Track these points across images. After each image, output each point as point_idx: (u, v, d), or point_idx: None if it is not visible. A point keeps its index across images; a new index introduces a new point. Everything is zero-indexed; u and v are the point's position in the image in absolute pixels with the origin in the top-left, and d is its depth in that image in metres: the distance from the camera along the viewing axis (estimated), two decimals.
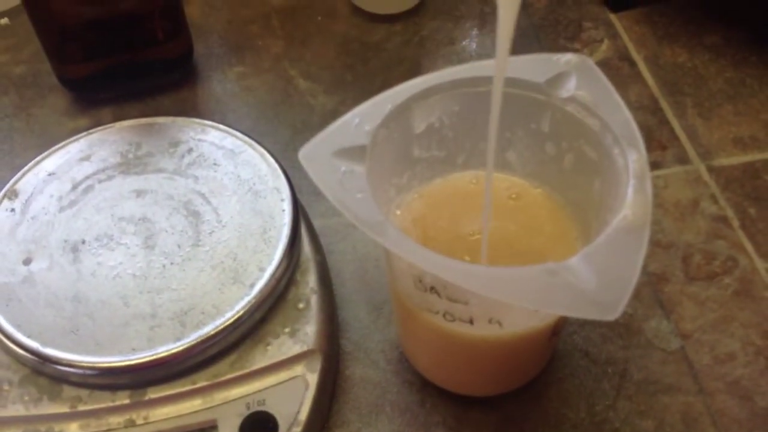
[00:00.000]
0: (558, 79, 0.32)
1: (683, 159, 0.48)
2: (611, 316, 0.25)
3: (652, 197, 0.28)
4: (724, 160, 0.48)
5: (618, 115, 0.31)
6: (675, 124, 0.50)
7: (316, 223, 0.43)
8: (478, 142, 0.36)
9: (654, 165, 0.48)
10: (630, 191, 0.28)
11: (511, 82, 0.33)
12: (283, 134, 0.51)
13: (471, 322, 0.30)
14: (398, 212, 0.35)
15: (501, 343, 0.32)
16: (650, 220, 0.27)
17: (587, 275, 0.26)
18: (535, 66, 0.33)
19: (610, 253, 0.27)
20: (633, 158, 0.29)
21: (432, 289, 0.30)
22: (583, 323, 0.40)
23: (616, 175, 0.30)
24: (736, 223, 0.45)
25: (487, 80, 0.33)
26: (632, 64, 0.54)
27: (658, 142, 0.49)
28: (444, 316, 0.31)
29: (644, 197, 0.28)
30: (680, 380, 0.38)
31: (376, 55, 0.56)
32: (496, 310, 0.30)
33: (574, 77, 0.32)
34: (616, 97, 0.31)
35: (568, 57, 0.33)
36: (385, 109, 0.32)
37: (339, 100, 0.53)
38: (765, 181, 0.47)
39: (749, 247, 0.43)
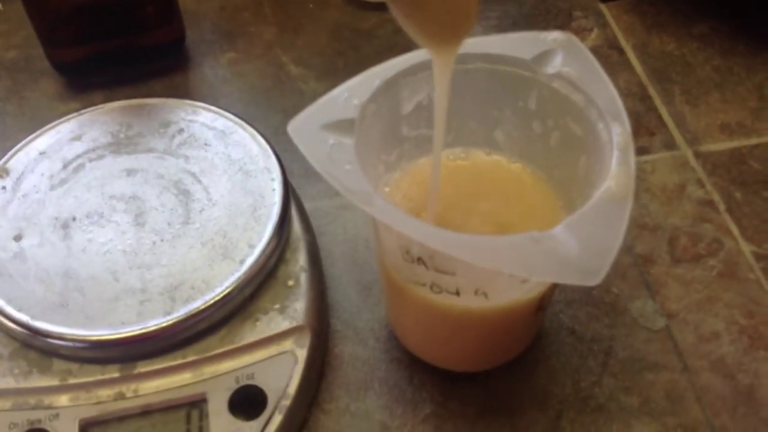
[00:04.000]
0: (544, 56, 0.33)
1: (671, 145, 0.49)
2: (593, 281, 0.25)
3: (635, 169, 0.28)
4: (711, 146, 0.49)
5: (603, 91, 0.31)
6: (663, 110, 0.51)
7: (307, 206, 0.44)
8: (466, 120, 0.36)
9: (642, 150, 0.48)
10: (614, 163, 0.29)
11: (498, 58, 0.33)
12: (274, 119, 0.51)
13: (457, 293, 0.31)
14: (387, 189, 0.35)
15: (487, 315, 0.32)
16: (633, 191, 0.28)
17: (570, 243, 0.26)
18: (522, 44, 0.33)
19: (593, 222, 0.27)
20: (617, 132, 0.30)
21: (419, 260, 0.30)
22: (570, 302, 0.40)
23: (601, 149, 0.30)
24: (722, 207, 0.45)
25: (475, 57, 0.34)
26: (621, 52, 0.55)
27: (646, 128, 0.50)
28: (431, 288, 0.31)
29: (627, 169, 0.28)
30: (665, 358, 0.39)
31: (367, 42, 0.56)
32: (482, 281, 0.30)
33: (561, 54, 0.32)
34: (602, 73, 0.32)
35: (554, 35, 0.33)
36: (374, 84, 0.32)
37: (330, 85, 0.52)
38: (751, 166, 0.47)
39: (735, 230, 0.44)
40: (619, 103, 0.31)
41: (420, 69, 0.33)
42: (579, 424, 0.36)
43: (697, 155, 0.48)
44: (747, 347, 0.39)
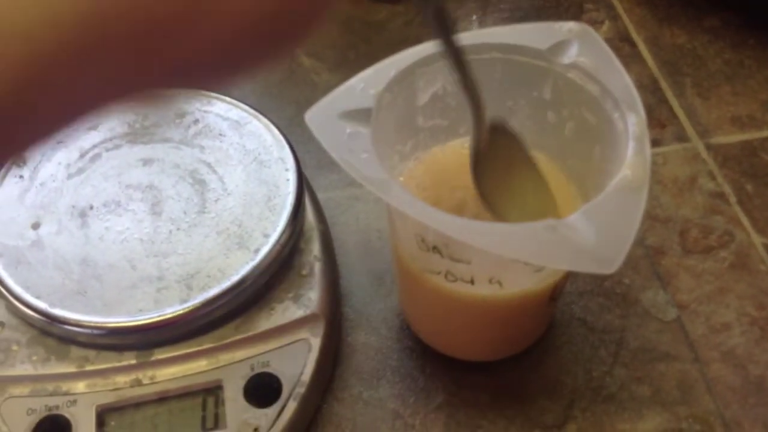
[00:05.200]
0: (559, 47, 0.33)
1: (682, 137, 0.49)
2: (609, 269, 0.26)
3: (650, 158, 0.29)
4: (722, 138, 0.49)
5: (618, 81, 0.31)
6: (674, 103, 0.51)
7: (321, 196, 0.44)
8: None
9: (653, 142, 0.48)
10: (630, 152, 0.29)
11: (513, 48, 0.33)
12: (287, 110, 0.51)
13: (472, 282, 0.31)
14: (401, 179, 0.35)
15: (501, 304, 0.32)
16: (649, 180, 0.28)
17: (586, 231, 0.26)
18: (538, 34, 0.33)
19: (609, 210, 0.27)
20: (633, 122, 0.30)
21: (434, 248, 0.30)
22: (582, 292, 0.41)
23: (616, 139, 0.31)
24: (733, 199, 0.45)
25: (490, 47, 0.34)
26: (633, 44, 0.55)
27: (658, 121, 0.50)
28: (446, 276, 0.31)
29: (643, 158, 0.29)
30: (676, 349, 0.39)
31: (378, 35, 0.56)
32: (496, 269, 0.30)
33: (576, 44, 0.33)
34: (617, 63, 0.32)
35: (570, 25, 0.33)
36: (390, 74, 0.32)
37: (342, 77, 0.52)
38: (762, 158, 0.47)
39: (746, 222, 0.44)
40: (635, 93, 0.31)
41: (435, 59, 0.33)
42: (590, 413, 0.37)
43: (709, 147, 0.48)
44: (758, 338, 0.39)
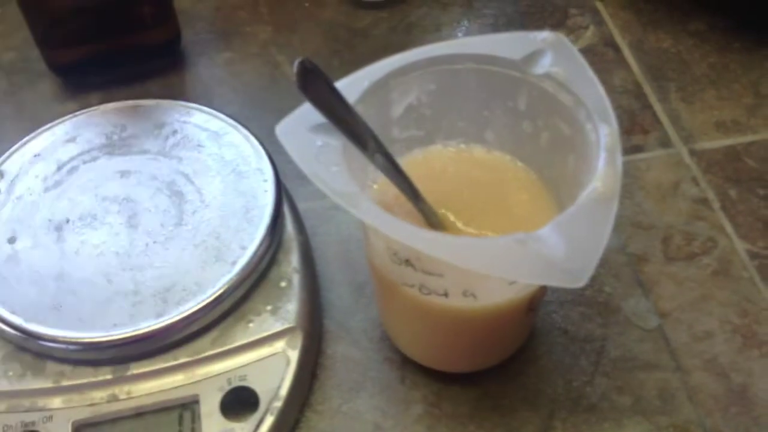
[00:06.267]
0: (533, 57, 0.33)
1: (665, 142, 0.49)
2: (579, 283, 0.25)
3: (621, 170, 0.28)
4: (706, 144, 0.48)
5: (591, 91, 0.31)
6: (658, 108, 0.51)
7: (301, 207, 0.44)
8: (455, 121, 0.36)
9: (636, 148, 0.48)
10: (601, 164, 0.29)
11: (487, 59, 0.33)
12: (269, 119, 0.50)
13: (446, 295, 0.31)
14: (375, 186, 0.35)
15: (476, 317, 0.32)
16: (619, 192, 0.28)
17: (556, 244, 0.26)
18: (512, 43, 0.33)
19: (579, 223, 0.27)
20: (605, 132, 0.30)
21: (407, 261, 0.30)
22: (562, 302, 0.40)
23: (589, 150, 0.30)
24: (716, 205, 0.45)
25: (464, 57, 0.34)
26: (617, 49, 0.55)
27: (641, 126, 0.50)
28: (420, 289, 0.31)
29: (614, 169, 0.28)
30: (658, 357, 0.39)
31: (363, 42, 0.56)
32: (470, 282, 0.30)
33: (550, 54, 0.32)
34: (590, 73, 0.32)
35: (544, 35, 0.33)
36: (363, 85, 0.32)
37: None
38: (746, 163, 0.47)
39: (729, 228, 0.44)
40: (608, 103, 0.31)
41: (411, 69, 0.33)
42: (571, 424, 0.36)
43: (692, 153, 0.48)
44: (740, 346, 0.39)
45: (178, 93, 0.53)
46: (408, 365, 0.38)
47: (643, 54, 0.54)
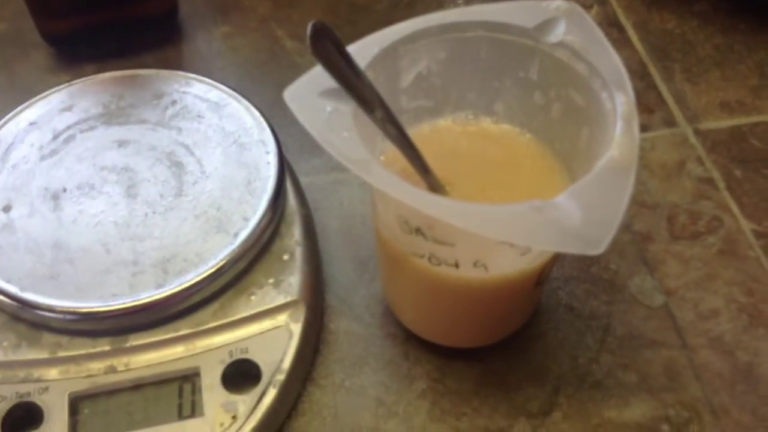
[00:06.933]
0: (547, 25, 0.32)
1: (670, 122, 0.48)
2: (596, 250, 0.25)
3: (639, 138, 0.28)
4: (710, 124, 0.48)
5: (606, 60, 0.30)
6: (663, 88, 0.50)
7: (303, 181, 0.43)
8: (465, 92, 0.35)
9: (641, 128, 0.48)
10: (618, 132, 0.28)
11: (499, 27, 0.32)
12: (269, 93, 0.50)
13: (456, 265, 0.30)
14: (382, 158, 0.34)
15: (485, 288, 0.31)
16: (637, 160, 0.27)
17: (573, 212, 0.26)
18: (524, 12, 0.32)
19: (596, 191, 0.26)
20: (621, 101, 0.29)
21: (418, 230, 0.29)
22: (568, 278, 0.40)
23: (604, 119, 0.30)
24: (721, 185, 0.45)
25: (475, 25, 0.33)
26: (621, 29, 0.54)
27: (646, 106, 0.49)
28: (430, 260, 0.30)
29: (631, 138, 0.28)
30: (663, 335, 0.38)
31: (364, 17, 0.55)
32: (481, 252, 0.30)
33: (563, 23, 0.32)
34: (605, 42, 0.31)
35: (557, 3, 0.32)
36: (373, 51, 0.31)
37: None
38: (751, 144, 0.47)
39: (734, 207, 0.43)
40: (624, 72, 0.30)
41: (421, 36, 0.33)
42: (576, 401, 0.36)
43: (697, 133, 0.47)
44: (746, 325, 0.39)
45: (175, 66, 0.51)
46: (411, 341, 0.38)
47: (647, 34, 0.53)
